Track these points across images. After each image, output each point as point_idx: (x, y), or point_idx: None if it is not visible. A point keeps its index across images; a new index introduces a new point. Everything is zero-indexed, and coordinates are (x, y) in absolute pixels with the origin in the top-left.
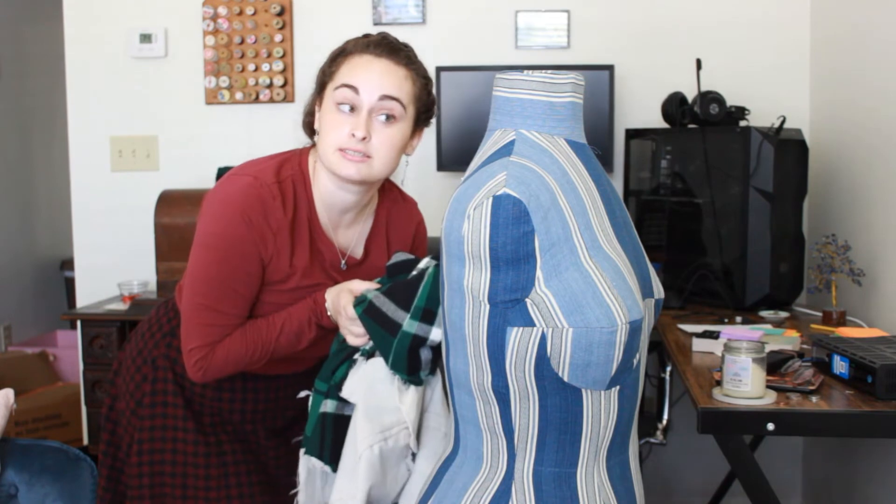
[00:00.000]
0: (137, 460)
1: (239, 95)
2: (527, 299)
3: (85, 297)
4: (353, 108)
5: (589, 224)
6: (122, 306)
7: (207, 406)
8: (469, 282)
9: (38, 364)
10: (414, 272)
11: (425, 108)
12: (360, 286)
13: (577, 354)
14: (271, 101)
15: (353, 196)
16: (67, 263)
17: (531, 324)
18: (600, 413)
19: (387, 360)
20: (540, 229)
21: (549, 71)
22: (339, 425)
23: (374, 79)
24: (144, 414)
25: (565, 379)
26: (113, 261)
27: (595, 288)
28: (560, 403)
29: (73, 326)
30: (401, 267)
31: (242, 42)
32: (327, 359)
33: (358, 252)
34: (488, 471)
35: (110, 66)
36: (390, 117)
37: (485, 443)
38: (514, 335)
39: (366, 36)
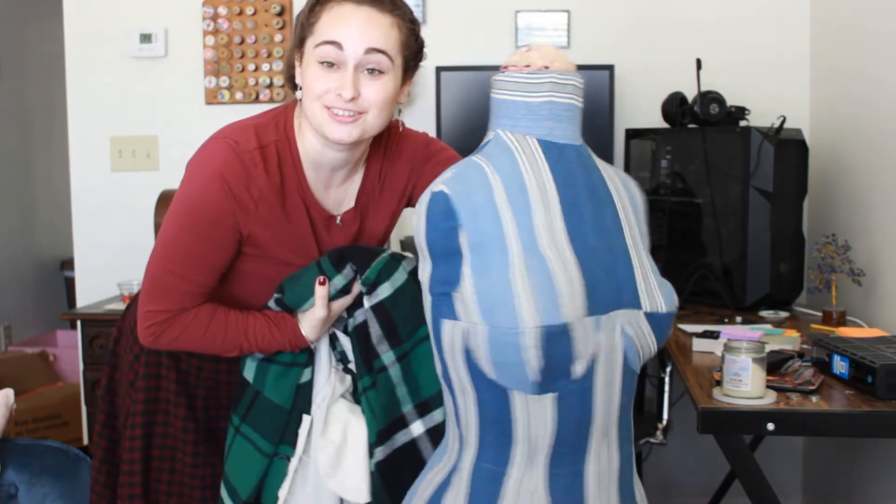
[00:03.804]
0: (130, 433)
1: (239, 95)
2: (454, 293)
3: (85, 297)
4: (337, 65)
5: (530, 226)
6: (122, 306)
7: (204, 380)
8: (420, 273)
9: (38, 364)
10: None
11: (414, 55)
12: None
13: (493, 353)
14: (271, 101)
15: (342, 154)
16: (67, 263)
17: (456, 317)
18: (532, 418)
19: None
20: (469, 227)
21: (529, 70)
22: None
23: (357, 31)
24: (140, 386)
25: (491, 376)
26: (113, 261)
27: (510, 290)
28: (492, 400)
29: (73, 326)
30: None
31: (242, 42)
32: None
33: (348, 206)
34: (446, 459)
35: (110, 66)
36: (377, 71)
37: (448, 432)
38: (447, 327)
39: None
